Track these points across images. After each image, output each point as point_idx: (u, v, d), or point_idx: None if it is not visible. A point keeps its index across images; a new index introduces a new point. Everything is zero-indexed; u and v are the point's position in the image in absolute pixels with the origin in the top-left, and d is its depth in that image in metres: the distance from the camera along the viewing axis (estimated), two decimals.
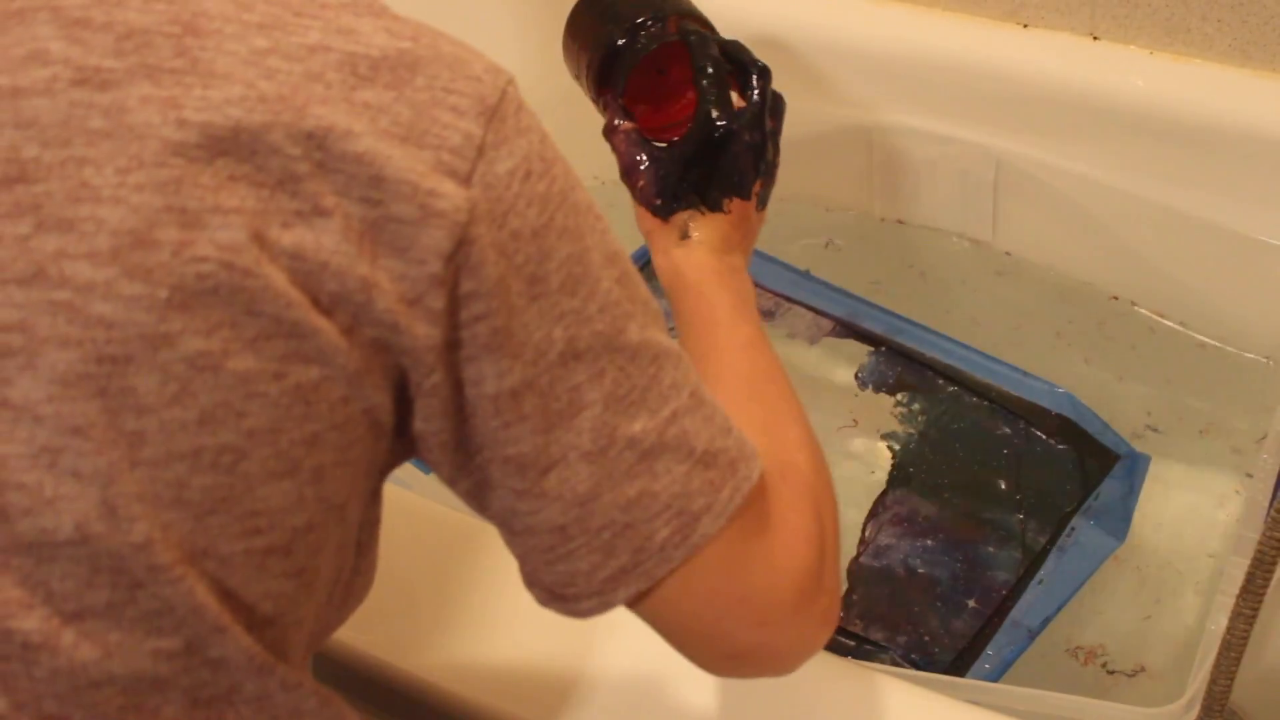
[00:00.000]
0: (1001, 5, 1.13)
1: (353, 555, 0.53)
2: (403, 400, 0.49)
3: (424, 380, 0.48)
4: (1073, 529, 1.02)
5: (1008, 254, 1.25)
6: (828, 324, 1.19)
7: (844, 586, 1.02)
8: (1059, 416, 1.09)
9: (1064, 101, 1.10)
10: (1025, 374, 1.12)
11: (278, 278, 0.44)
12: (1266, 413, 1.08)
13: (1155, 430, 1.11)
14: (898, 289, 1.26)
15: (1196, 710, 0.73)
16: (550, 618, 0.55)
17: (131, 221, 0.42)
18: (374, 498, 0.53)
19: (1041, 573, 1.00)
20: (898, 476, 1.09)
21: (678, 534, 0.52)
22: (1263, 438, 1.06)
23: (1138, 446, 1.08)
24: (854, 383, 1.16)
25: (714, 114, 0.80)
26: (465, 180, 0.47)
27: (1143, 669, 0.98)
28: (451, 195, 0.46)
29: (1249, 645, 0.69)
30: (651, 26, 0.84)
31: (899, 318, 1.18)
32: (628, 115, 0.83)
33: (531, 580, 0.54)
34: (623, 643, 0.75)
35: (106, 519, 0.43)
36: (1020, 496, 1.06)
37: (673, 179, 0.80)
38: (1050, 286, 1.23)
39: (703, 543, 0.53)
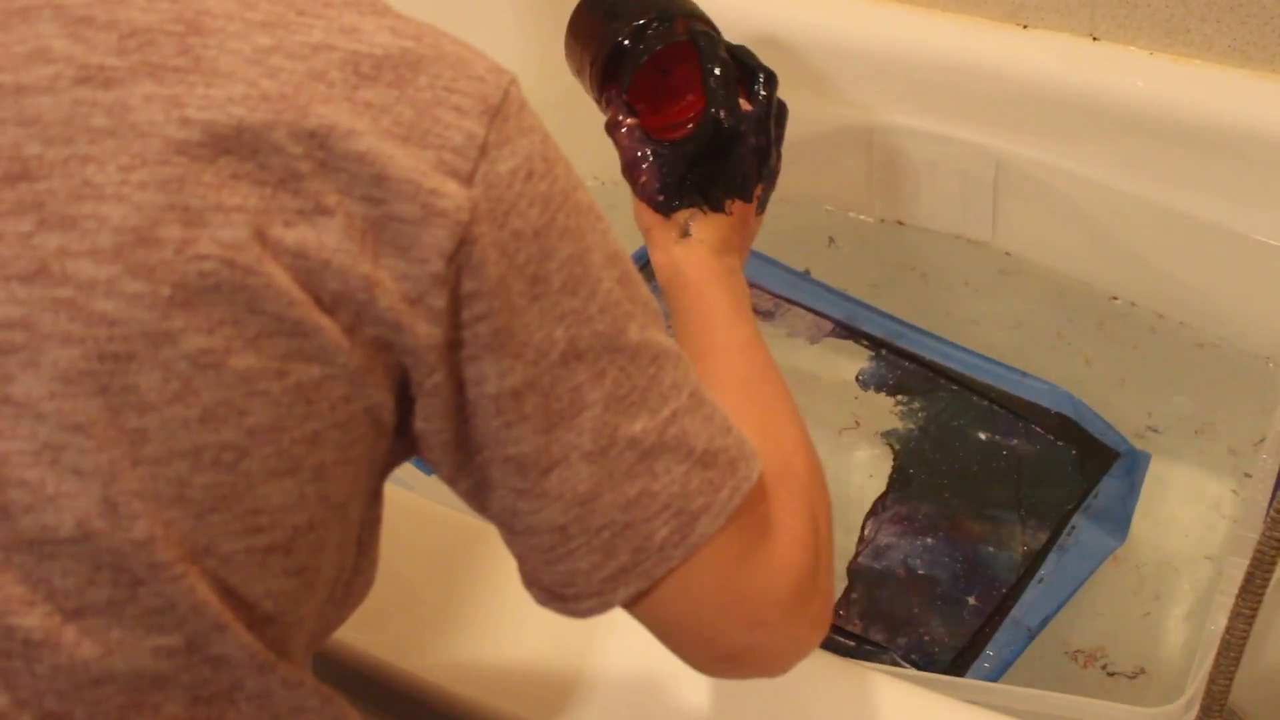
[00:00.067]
0: (1001, 6, 1.13)
1: (354, 554, 0.53)
2: (404, 399, 0.49)
3: (425, 380, 0.48)
4: (1073, 528, 1.02)
5: (1008, 254, 1.25)
6: (827, 325, 1.19)
7: (844, 586, 1.02)
8: (1058, 415, 1.09)
9: (1064, 102, 1.10)
10: (1024, 374, 1.12)
11: (280, 276, 0.44)
12: (1266, 413, 1.08)
13: (1155, 430, 1.12)
14: (897, 290, 1.26)
15: (1196, 710, 0.73)
16: (551, 618, 0.55)
17: (134, 219, 0.42)
18: (375, 497, 0.53)
19: (1041, 571, 1.00)
20: (898, 476, 1.09)
21: (676, 533, 0.52)
22: (1261, 440, 1.06)
23: (1138, 446, 1.08)
24: (855, 384, 1.16)
25: (721, 114, 0.81)
26: (467, 180, 0.47)
27: (1143, 671, 0.98)
28: (453, 195, 0.46)
29: (1249, 645, 0.69)
30: (659, 26, 0.84)
31: (898, 321, 1.18)
32: (631, 112, 0.83)
33: (531, 580, 0.55)
34: (623, 643, 0.75)
35: (108, 516, 0.43)
36: (1020, 495, 1.06)
37: (676, 176, 0.81)
38: (1050, 287, 1.23)
39: (701, 542, 0.53)
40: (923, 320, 1.18)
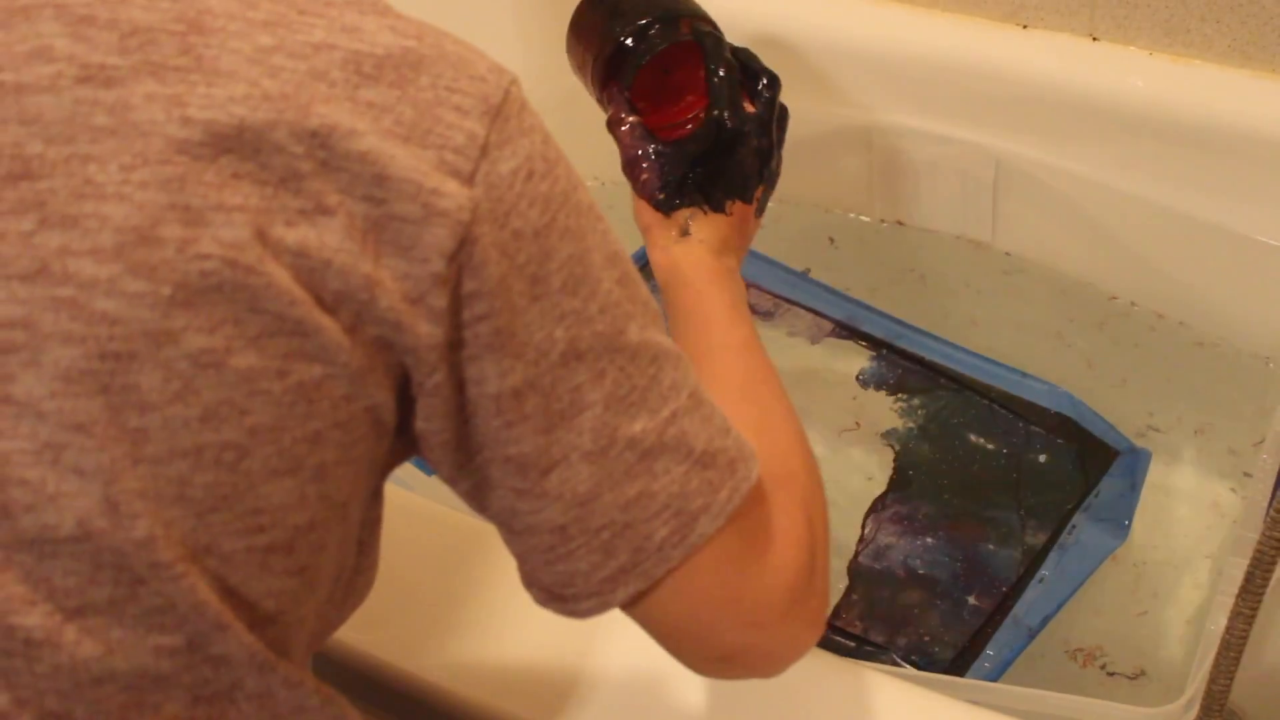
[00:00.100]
0: (1001, 6, 1.13)
1: (354, 554, 0.53)
2: (405, 399, 0.49)
3: (426, 379, 0.48)
4: (1073, 527, 1.02)
5: (1007, 254, 1.25)
6: (828, 325, 1.19)
7: (844, 586, 1.02)
8: (1058, 415, 1.09)
9: (1063, 102, 1.11)
10: (1024, 374, 1.12)
11: (281, 275, 0.44)
12: (1266, 413, 1.08)
13: (1156, 430, 1.12)
14: (897, 290, 1.26)
15: (1196, 710, 0.73)
16: (551, 618, 0.55)
17: (135, 219, 0.42)
18: (375, 496, 0.53)
19: (1042, 571, 1.00)
20: (898, 476, 1.09)
21: (676, 534, 0.52)
22: (1260, 441, 1.06)
23: (1139, 445, 1.08)
24: (855, 383, 1.16)
25: (725, 115, 0.81)
26: (468, 180, 0.47)
27: (1142, 672, 0.98)
28: (454, 194, 0.46)
29: (1248, 645, 0.69)
30: (663, 26, 0.84)
31: (898, 322, 1.18)
32: (633, 110, 0.83)
33: (530, 580, 0.55)
34: (623, 643, 0.75)
35: (108, 516, 0.43)
36: (1020, 495, 1.06)
37: (677, 175, 0.81)
38: (1050, 287, 1.23)
39: (700, 543, 0.53)
40: (923, 320, 1.18)
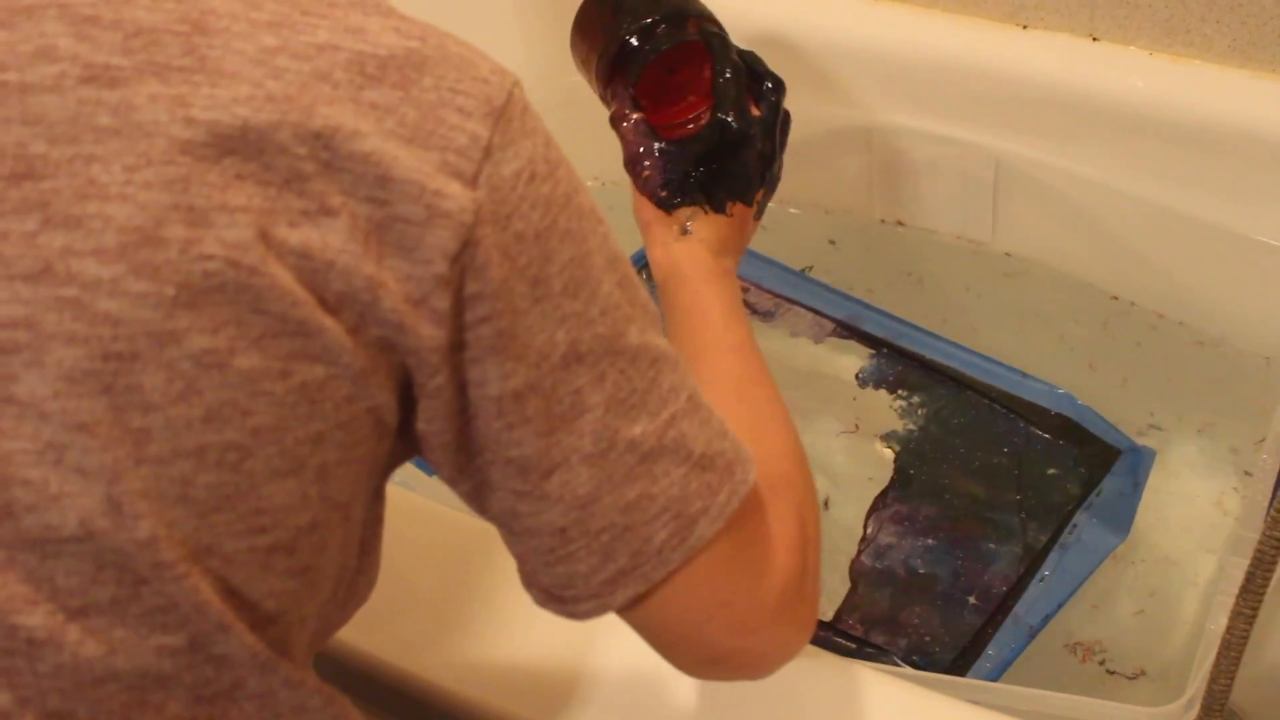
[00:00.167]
0: (1001, 6, 1.13)
1: (356, 554, 0.53)
2: (406, 400, 0.49)
3: (428, 381, 0.48)
4: (1075, 526, 1.02)
5: (1008, 255, 1.25)
6: (829, 325, 1.19)
7: (846, 588, 1.02)
8: (1059, 416, 1.09)
9: (1063, 102, 1.11)
10: (1025, 375, 1.12)
11: (284, 276, 0.44)
12: (1266, 412, 1.08)
13: (1158, 429, 1.12)
14: (898, 291, 1.26)
15: (1196, 710, 0.73)
16: (552, 618, 0.55)
17: (139, 219, 0.42)
18: (377, 497, 0.53)
19: (1043, 570, 1.00)
20: (899, 476, 1.09)
21: (675, 536, 0.52)
22: (1262, 440, 1.06)
23: (1141, 444, 1.08)
24: (855, 383, 1.16)
25: (731, 117, 0.81)
26: (471, 181, 0.47)
27: (1142, 671, 0.98)
28: (457, 196, 0.46)
29: (1249, 645, 0.69)
30: (670, 25, 0.84)
31: (899, 321, 1.18)
32: (637, 107, 0.84)
33: (530, 581, 0.55)
34: (624, 643, 0.75)
35: (111, 516, 0.43)
36: (1021, 495, 1.06)
37: (680, 174, 0.81)
38: (1051, 287, 1.23)
39: (699, 545, 0.53)
40: (923, 321, 1.18)
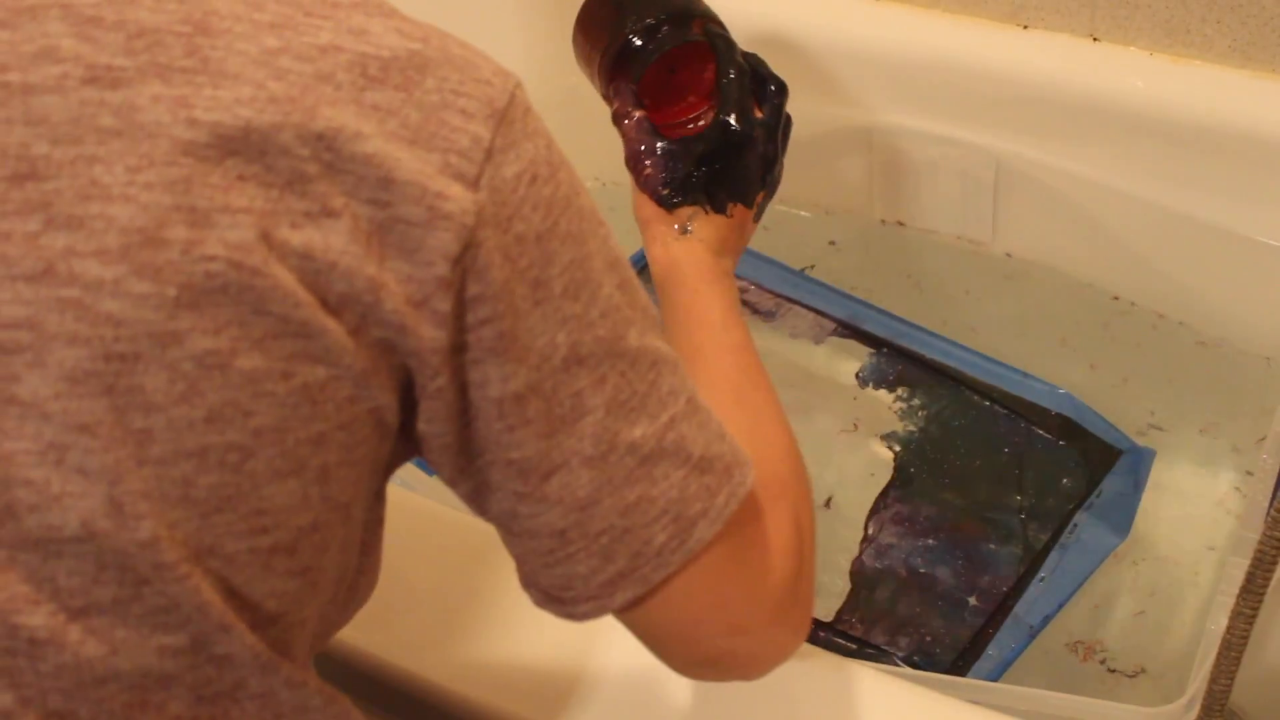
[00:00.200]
0: (1001, 6, 1.13)
1: (357, 555, 0.53)
2: (408, 401, 0.49)
3: (429, 382, 0.48)
4: (1075, 525, 1.02)
5: (1008, 255, 1.25)
6: (830, 325, 1.19)
7: (847, 589, 1.02)
8: (1060, 416, 1.09)
9: (1064, 103, 1.11)
10: (1025, 375, 1.12)
11: (286, 277, 0.44)
12: (1267, 412, 1.08)
13: (1159, 428, 1.12)
14: (898, 291, 1.26)
15: (1196, 710, 0.73)
16: (552, 618, 0.55)
17: (141, 220, 0.42)
18: (378, 497, 0.53)
19: (1043, 570, 1.00)
20: (899, 477, 1.09)
21: (674, 539, 0.52)
22: (1262, 438, 1.06)
23: (1142, 444, 1.08)
24: (855, 382, 1.16)
25: (734, 118, 0.81)
26: (473, 183, 0.47)
27: (1142, 670, 0.98)
28: (459, 198, 0.46)
29: (1249, 645, 0.69)
30: (673, 25, 0.84)
31: (900, 320, 1.18)
32: (640, 105, 0.84)
33: (529, 581, 0.55)
34: (625, 643, 0.75)
35: (113, 516, 0.43)
36: (1021, 495, 1.06)
37: (682, 173, 0.81)
38: (1051, 287, 1.23)
39: (698, 548, 0.53)
40: (923, 321, 1.18)
